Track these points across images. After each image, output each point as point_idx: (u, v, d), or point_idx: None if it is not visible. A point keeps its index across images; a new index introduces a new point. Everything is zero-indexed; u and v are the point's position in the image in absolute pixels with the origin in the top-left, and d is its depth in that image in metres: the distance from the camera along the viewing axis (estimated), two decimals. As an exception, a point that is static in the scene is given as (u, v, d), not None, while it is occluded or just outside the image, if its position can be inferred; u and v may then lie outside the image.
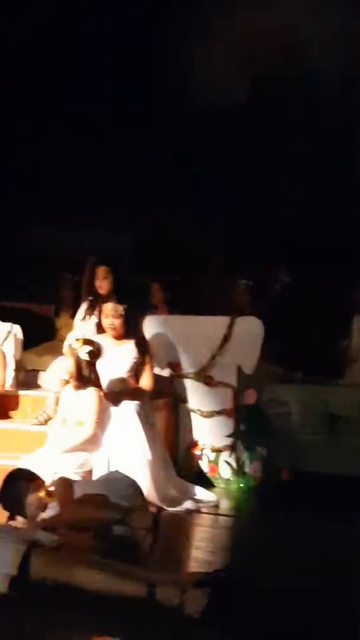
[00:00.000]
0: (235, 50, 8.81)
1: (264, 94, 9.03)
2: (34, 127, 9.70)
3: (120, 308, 6.44)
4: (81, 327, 7.44)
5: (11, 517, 5.03)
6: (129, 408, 6.22)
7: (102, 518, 4.63)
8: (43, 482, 5.15)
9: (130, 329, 6.53)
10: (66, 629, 3.73)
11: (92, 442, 6.14)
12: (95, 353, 6.26)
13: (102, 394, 6.23)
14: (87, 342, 6.30)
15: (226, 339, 6.71)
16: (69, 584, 4.03)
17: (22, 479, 5.10)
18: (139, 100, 9.52)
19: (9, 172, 9.79)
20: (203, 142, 9.36)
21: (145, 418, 6.28)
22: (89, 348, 6.21)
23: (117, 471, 5.51)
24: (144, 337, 6.72)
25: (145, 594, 3.88)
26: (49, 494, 5.08)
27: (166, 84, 9.26)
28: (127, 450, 6.09)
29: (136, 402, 6.28)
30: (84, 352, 6.18)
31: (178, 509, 5.99)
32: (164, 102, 9.41)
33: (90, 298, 7.41)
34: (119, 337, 6.51)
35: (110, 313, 6.49)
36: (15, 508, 4.91)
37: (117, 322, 6.47)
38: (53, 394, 6.94)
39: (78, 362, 6.20)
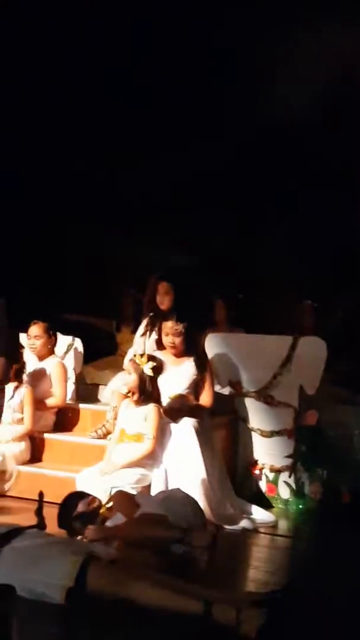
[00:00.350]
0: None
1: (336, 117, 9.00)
2: (105, 144, 9.79)
3: (180, 326, 6.45)
4: (141, 342, 7.47)
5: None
6: (187, 425, 6.22)
7: (161, 538, 4.64)
8: (98, 502, 5.19)
9: (190, 346, 6.54)
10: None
11: (150, 458, 6.14)
12: (158, 369, 6.28)
13: (161, 410, 6.24)
14: (150, 358, 6.32)
15: (289, 358, 6.66)
16: (125, 598, 4.05)
17: (77, 501, 5.16)
18: (209, 120, 9.55)
19: (78, 189, 9.89)
20: (270, 161, 9.35)
21: (204, 436, 6.26)
22: (152, 364, 6.23)
23: (178, 490, 5.51)
24: (204, 354, 6.73)
25: (202, 611, 3.87)
26: (109, 509, 5.12)
27: (236, 98, 9.26)
28: (184, 468, 6.09)
29: (195, 420, 6.27)
30: (148, 368, 6.20)
31: (235, 528, 5.97)
32: (233, 120, 9.42)
33: (151, 314, 7.44)
34: (178, 355, 6.53)
35: (171, 331, 6.51)
36: (74, 527, 4.95)
37: (177, 340, 6.49)
38: (112, 409, 6.98)
39: (141, 377, 6.21)
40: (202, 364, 6.56)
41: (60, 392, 7.47)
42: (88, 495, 5.30)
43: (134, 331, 7.93)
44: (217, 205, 9.79)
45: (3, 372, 5.76)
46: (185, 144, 9.43)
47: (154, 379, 6.24)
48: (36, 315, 7.52)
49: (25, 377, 7.12)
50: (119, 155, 9.81)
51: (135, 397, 6.26)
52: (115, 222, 9.98)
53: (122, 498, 5.31)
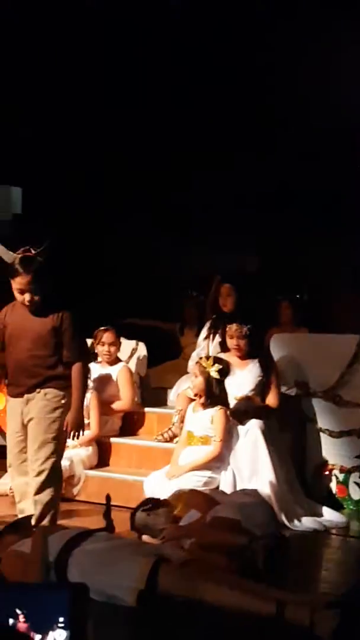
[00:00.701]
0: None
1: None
2: (161, 148, 9.81)
3: (245, 329, 6.43)
4: (205, 345, 7.46)
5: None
6: (254, 427, 6.19)
7: (234, 544, 4.62)
8: (171, 505, 5.20)
9: (255, 348, 6.51)
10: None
11: (217, 461, 6.14)
12: (224, 371, 6.27)
13: (228, 412, 6.22)
14: (216, 360, 6.32)
15: (356, 357, 6.59)
16: (197, 600, 4.03)
17: (151, 504, 5.17)
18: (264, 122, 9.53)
19: (139, 192, 9.93)
20: (329, 163, 9.29)
21: (271, 437, 6.24)
22: (218, 366, 6.23)
23: (255, 493, 5.49)
24: (270, 356, 6.70)
25: (275, 613, 3.84)
26: (183, 508, 5.13)
27: (289, 105, 9.24)
28: (252, 470, 6.07)
29: (262, 421, 6.24)
30: (214, 371, 6.20)
31: (306, 529, 5.93)
32: (289, 123, 9.39)
33: (214, 316, 7.42)
34: (243, 357, 6.50)
35: (235, 334, 6.49)
36: (147, 530, 4.95)
37: (242, 342, 6.47)
38: (178, 412, 6.98)
39: (208, 380, 6.21)
40: (268, 365, 6.53)
41: (128, 395, 7.50)
42: (161, 499, 5.33)
43: (197, 334, 7.93)
44: (281, 206, 9.75)
45: None
46: (249, 144, 9.43)
47: (220, 382, 6.23)
48: (103, 322, 7.55)
49: (90, 382, 7.14)
50: (180, 157, 9.83)
51: (202, 400, 6.26)
52: (178, 225, 10.00)
53: (195, 495, 5.32)
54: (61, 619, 1.70)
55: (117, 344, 7.57)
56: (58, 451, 5.53)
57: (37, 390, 5.46)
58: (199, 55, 9.36)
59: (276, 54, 9.07)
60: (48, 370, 5.49)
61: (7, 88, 9.49)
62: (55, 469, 5.51)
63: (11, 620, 1.67)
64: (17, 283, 5.40)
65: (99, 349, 7.41)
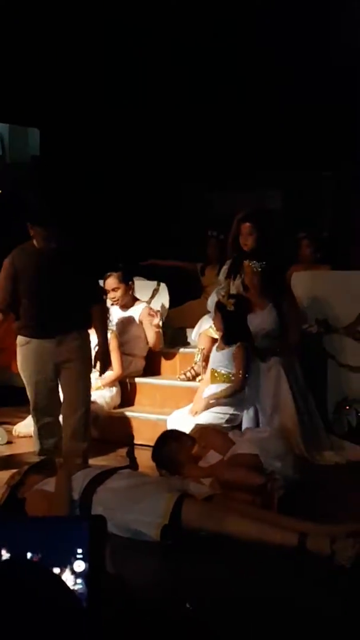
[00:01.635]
0: None
1: None
2: (178, 95, 9.75)
3: (257, 265, 6.40)
4: (226, 284, 7.44)
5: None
6: (277, 364, 6.22)
7: (255, 482, 4.66)
8: (192, 439, 5.23)
9: (272, 285, 6.47)
10: (216, 578, 3.76)
11: (240, 397, 6.16)
12: (244, 307, 6.26)
13: (249, 349, 6.23)
14: (233, 296, 6.31)
15: (376, 293, 6.59)
16: (221, 533, 4.09)
17: (172, 439, 5.21)
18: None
19: (165, 134, 9.87)
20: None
21: (293, 374, 6.27)
22: (234, 301, 6.22)
23: (269, 429, 5.54)
24: (290, 292, 6.68)
25: (297, 543, 3.90)
26: (204, 447, 5.17)
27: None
28: (274, 405, 6.11)
29: (284, 358, 6.26)
30: (231, 305, 6.19)
31: (328, 463, 5.98)
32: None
33: (235, 255, 7.40)
34: (260, 294, 6.45)
35: (248, 270, 6.47)
36: (168, 467, 4.99)
37: (256, 279, 6.43)
38: (200, 351, 7.00)
39: (226, 316, 6.21)
40: (289, 302, 6.51)
41: (152, 336, 7.52)
42: (182, 434, 5.36)
43: (218, 274, 7.90)
44: (300, 144, 9.66)
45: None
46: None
47: (238, 318, 6.21)
48: (112, 267, 7.55)
49: (112, 326, 7.17)
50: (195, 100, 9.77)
51: (223, 337, 6.27)
52: (197, 166, 9.94)
53: (215, 433, 5.36)
54: (80, 551, 1.72)
55: (123, 287, 7.55)
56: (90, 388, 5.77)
57: (69, 331, 5.53)
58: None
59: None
60: (76, 312, 5.56)
61: (25, 30, 9.40)
62: (90, 405, 5.76)
63: (29, 554, 1.70)
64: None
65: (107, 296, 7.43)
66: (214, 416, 6.06)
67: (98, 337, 5.86)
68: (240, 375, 6.09)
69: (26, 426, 6.76)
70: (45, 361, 5.66)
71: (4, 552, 1.72)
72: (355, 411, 6.48)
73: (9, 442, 6.87)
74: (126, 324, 7.46)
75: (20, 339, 5.82)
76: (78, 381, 5.61)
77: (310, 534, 3.91)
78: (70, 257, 5.62)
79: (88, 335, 5.77)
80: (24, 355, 5.80)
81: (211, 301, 6.95)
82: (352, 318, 6.63)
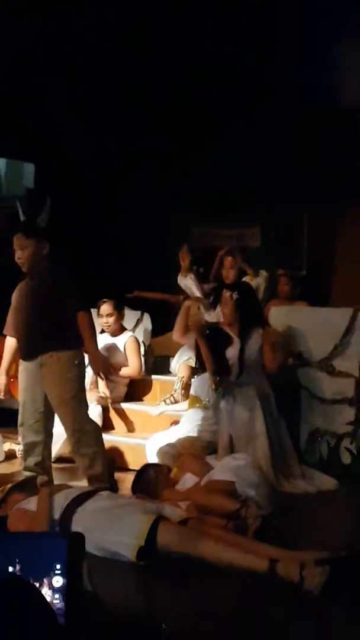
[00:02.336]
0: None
1: None
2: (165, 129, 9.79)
3: (235, 295, 6.38)
4: (208, 315, 7.45)
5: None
6: (252, 394, 6.21)
7: (230, 508, 4.65)
8: (168, 468, 5.24)
9: (247, 317, 6.44)
10: (188, 598, 3.74)
11: (214, 424, 6.17)
12: (223, 336, 6.24)
13: (226, 379, 6.22)
14: (211, 327, 6.31)
15: (349, 330, 6.59)
16: (195, 556, 4.08)
17: (150, 466, 5.22)
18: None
19: (145, 174, 9.90)
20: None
21: (268, 404, 6.26)
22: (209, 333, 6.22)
23: (244, 456, 5.52)
24: (268, 326, 6.69)
25: (268, 568, 3.89)
26: (179, 470, 5.17)
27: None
28: (249, 434, 6.10)
29: (257, 387, 6.25)
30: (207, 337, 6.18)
31: (299, 492, 5.97)
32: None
33: (214, 285, 7.42)
34: (233, 324, 6.38)
35: (224, 301, 6.46)
36: (147, 490, 4.99)
37: (227, 310, 6.39)
38: (180, 379, 7.01)
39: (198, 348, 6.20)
40: (266, 334, 6.52)
41: (135, 363, 7.53)
42: (160, 465, 5.38)
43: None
44: (277, 185, 9.73)
45: None
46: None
47: (214, 349, 6.18)
48: (105, 294, 7.57)
49: None
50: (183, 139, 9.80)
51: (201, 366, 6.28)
52: (183, 202, 10.00)
53: (194, 459, 5.36)
54: (58, 566, 1.72)
55: (116, 315, 7.55)
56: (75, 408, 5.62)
57: (50, 354, 5.52)
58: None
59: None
60: (55, 333, 5.53)
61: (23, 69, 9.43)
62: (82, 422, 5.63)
63: (10, 568, 1.69)
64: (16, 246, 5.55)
65: (99, 320, 7.40)
66: (191, 441, 6.06)
67: (87, 344, 5.60)
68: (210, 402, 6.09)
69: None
70: (31, 383, 5.64)
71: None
72: (327, 442, 6.49)
73: (9, 457, 6.88)
74: (111, 350, 7.44)
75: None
76: (59, 406, 5.55)
77: (280, 560, 3.90)
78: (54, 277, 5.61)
79: (71, 357, 5.57)
80: (19, 375, 5.82)
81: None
82: (326, 353, 6.65)
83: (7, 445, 6.96)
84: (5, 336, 6.13)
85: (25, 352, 5.67)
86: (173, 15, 9.08)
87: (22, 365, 5.71)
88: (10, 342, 6.00)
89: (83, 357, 5.64)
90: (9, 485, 4.72)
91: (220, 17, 9.19)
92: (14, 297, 5.86)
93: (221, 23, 9.20)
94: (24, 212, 5.71)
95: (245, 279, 7.52)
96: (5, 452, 6.91)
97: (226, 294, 6.44)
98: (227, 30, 9.24)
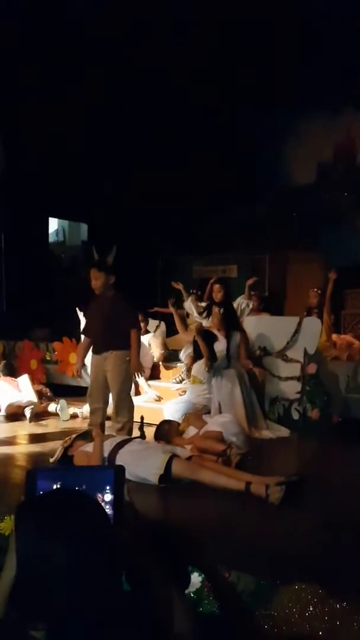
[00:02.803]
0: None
1: None
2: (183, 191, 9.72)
3: (218, 309, 6.40)
4: (202, 321, 7.42)
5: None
6: (232, 373, 6.19)
7: (219, 449, 4.64)
8: (178, 423, 5.23)
9: (230, 324, 6.43)
10: (192, 507, 3.75)
11: (208, 394, 6.15)
12: (208, 335, 6.19)
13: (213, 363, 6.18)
14: (203, 331, 6.28)
15: (296, 331, 6.58)
16: (196, 480, 4.08)
17: (166, 423, 5.21)
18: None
19: (166, 226, 9.83)
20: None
21: (242, 380, 6.23)
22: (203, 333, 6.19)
23: (228, 415, 5.50)
24: (242, 330, 6.68)
25: (244, 488, 3.89)
26: (185, 424, 5.15)
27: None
28: (230, 401, 6.06)
29: (236, 369, 6.24)
30: (199, 336, 6.15)
31: (264, 438, 5.96)
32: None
33: (207, 303, 7.41)
34: (221, 329, 6.37)
35: (215, 314, 6.48)
36: (164, 438, 4.97)
37: (217, 319, 6.40)
38: (185, 365, 7.00)
39: (195, 343, 6.17)
40: (241, 335, 6.52)
41: (159, 353, 7.56)
42: (172, 420, 5.37)
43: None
44: (251, 238, 9.68)
45: None
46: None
47: (205, 343, 6.15)
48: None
49: None
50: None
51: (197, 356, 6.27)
52: (187, 250, 9.99)
53: (195, 417, 5.34)
54: (108, 487, 1.73)
55: (145, 322, 7.57)
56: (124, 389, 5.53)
57: (111, 352, 5.43)
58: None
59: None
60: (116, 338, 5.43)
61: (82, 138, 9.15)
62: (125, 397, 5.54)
63: (77, 488, 1.70)
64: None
65: None
66: (192, 405, 6.04)
67: (132, 352, 5.43)
68: (208, 381, 6.04)
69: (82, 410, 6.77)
70: (98, 370, 5.53)
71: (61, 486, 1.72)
72: (282, 405, 6.47)
73: (73, 417, 6.80)
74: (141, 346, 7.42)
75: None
76: (112, 386, 5.50)
77: (253, 483, 3.91)
78: (117, 300, 5.53)
79: (124, 355, 5.43)
80: (90, 364, 5.66)
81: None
82: (281, 346, 6.64)
83: (72, 409, 6.95)
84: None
85: (96, 349, 5.54)
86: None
87: (93, 358, 5.57)
88: (86, 341, 5.79)
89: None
90: (74, 435, 4.71)
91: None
92: (90, 309, 5.69)
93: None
94: (97, 253, 5.64)
95: (242, 298, 7.43)
96: (70, 414, 6.90)
97: (215, 309, 6.47)
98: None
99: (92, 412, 5.68)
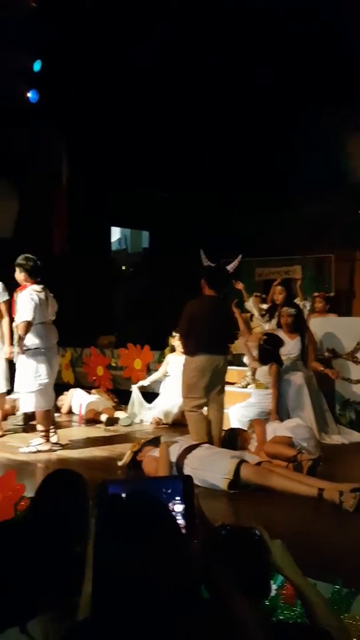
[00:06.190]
0: None
1: None
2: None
3: (292, 311, 6.26)
4: (266, 325, 7.33)
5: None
6: (299, 377, 6.05)
7: (290, 454, 4.56)
8: (244, 430, 5.16)
9: (298, 326, 6.31)
10: (261, 513, 3.69)
11: (275, 399, 6.02)
12: (274, 340, 6.09)
13: (280, 368, 6.06)
14: (266, 334, 6.17)
15: (367, 332, 6.42)
16: (266, 486, 4.02)
17: (233, 430, 5.15)
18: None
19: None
20: None
21: (311, 384, 6.09)
22: (266, 337, 6.07)
23: (297, 419, 5.38)
24: (309, 332, 6.53)
25: (317, 494, 3.80)
26: (252, 432, 5.10)
27: None
28: (297, 405, 5.93)
29: (304, 373, 6.10)
30: (263, 340, 6.04)
31: (336, 442, 5.81)
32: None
33: (270, 305, 7.31)
34: (290, 331, 6.24)
35: (285, 314, 6.34)
36: (232, 445, 4.91)
37: (289, 320, 6.27)
38: (251, 368, 6.90)
39: (261, 348, 6.07)
40: (309, 337, 6.37)
41: None
42: (238, 428, 5.31)
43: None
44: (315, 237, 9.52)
45: None
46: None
47: (268, 349, 6.02)
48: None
49: None
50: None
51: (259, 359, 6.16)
52: (252, 252, 9.87)
53: (257, 425, 5.26)
54: (178, 498, 1.72)
55: None
56: None
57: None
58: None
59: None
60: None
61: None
62: None
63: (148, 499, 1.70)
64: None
65: None
66: (259, 411, 5.95)
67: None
68: (274, 387, 5.87)
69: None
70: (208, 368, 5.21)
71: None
72: (354, 409, 6.30)
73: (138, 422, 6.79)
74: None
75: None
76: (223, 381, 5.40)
77: (325, 489, 3.81)
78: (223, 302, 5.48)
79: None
80: (199, 363, 5.22)
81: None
82: (351, 348, 6.47)
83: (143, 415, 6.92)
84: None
85: (207, 349, 5.12)
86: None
87: (204, 358, 5.11)
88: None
89: None
90: (143, 440, 4.73)
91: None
92: (196, 307, 5.28)
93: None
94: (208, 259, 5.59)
95: (296, 300, 7.34)
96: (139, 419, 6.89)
97: (285, 311, 6.33)
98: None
99: (199, 406, 5.30)
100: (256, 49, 7.62)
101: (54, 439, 5.52)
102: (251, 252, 10.03)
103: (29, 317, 5.23)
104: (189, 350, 5.28)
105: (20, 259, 5.45)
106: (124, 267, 12.84)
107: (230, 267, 5.60)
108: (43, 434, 5.41)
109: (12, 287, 5.72)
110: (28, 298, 5.29)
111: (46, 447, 5.37)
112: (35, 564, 1.81)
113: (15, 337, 5.34)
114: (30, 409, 5.46)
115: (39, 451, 5.31)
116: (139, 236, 13.94)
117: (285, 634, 1.68)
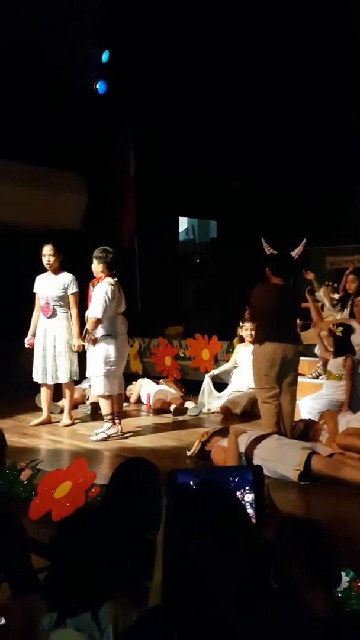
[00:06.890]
0: None
1: None
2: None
3: None
4: (338, 315, 7.17)
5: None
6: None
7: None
8: (315, 421, 5.10)
9: None
10: (332, 505, 3.62)
11: (348, 391, 5.90)
12: (347, 331, 5.97)
13: (354, 358, 5.94)
14: (340, 324, 6.06)
15: None
16: (337, 478, 3.95)
17: (303, 421, 5.09)
18: None
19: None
20: None
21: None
22: (341, 328, 5.96)
23: None
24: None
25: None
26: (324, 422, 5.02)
27: None
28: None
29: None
30: (338, 331, 5.94)
31: None
32: None
33: (342, 294, 7.14)
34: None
35: (359, 303, 6.19)
36: (304, 436, 4.84)
37: (357, 310, 6.09)
38: (321, 359, 6.78)
39: (336, 339, 5.95)
40: None
41: None
42: (309, 419, 5.26)
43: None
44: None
45: None
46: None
47: (343, 338, 5.91)
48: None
49: None
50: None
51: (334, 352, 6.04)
52: (322, 241, 9.67)
53: (330, 416, 5.17)
54: (247, 487, 1.71)
55: None
56: None
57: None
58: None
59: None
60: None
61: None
62: None
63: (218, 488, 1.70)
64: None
65: None
66: (330, 402, 5.83)
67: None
68: (348, 377, 5.74)
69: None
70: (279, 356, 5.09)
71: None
72: None
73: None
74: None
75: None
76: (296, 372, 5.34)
77: None
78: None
79: None
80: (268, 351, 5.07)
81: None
82: None
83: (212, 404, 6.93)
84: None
85: (280, 337, 4.98)
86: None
87: (276, 346, 4.97)
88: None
89: None
90: (212, 430, 4.73)
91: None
92: (261, 295, 5.13)
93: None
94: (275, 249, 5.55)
95: None
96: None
97: (357, 299, 6.19)
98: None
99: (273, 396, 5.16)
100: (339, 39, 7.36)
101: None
102: (322, 241, 9.84)
103: (99, 315, 5.32)
104: (257, 339, 5.21)
105: (98, 252, 5.50)
106: (193, 258, 12.86)
107: (294, 253, 5.45)
108: (109, 417, 5.46)
109: (80, 278, 5.83)
110: (103, 293, 5.36)
111: (114, 430, 5.43)
112: (110, 550, 1.84)
113: (86, 329, 5.45)
114: (100, 392, 5.52)
115: (108, 436, 5.39)
116: (207, 226, 13.92)
117: (356, 625, 1.65)
